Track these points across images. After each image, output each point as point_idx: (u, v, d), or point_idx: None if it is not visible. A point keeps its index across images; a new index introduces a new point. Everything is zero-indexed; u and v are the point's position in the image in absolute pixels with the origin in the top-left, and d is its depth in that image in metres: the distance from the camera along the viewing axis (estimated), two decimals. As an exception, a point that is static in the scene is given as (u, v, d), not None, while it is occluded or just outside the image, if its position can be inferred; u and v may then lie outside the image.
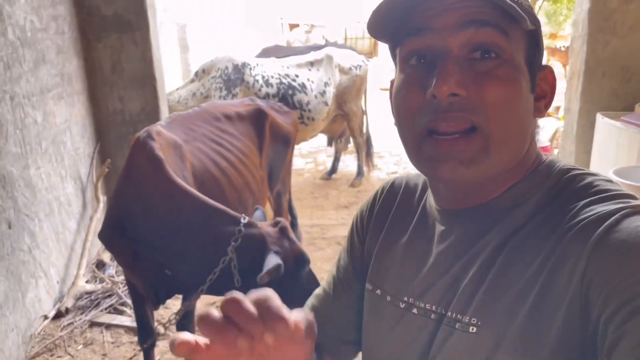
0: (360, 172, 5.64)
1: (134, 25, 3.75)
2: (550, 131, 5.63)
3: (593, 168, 3.84)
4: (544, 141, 5.40)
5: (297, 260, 1.82)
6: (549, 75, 0.71)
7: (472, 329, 0.64)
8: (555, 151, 5.36)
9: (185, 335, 0.48)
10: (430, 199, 0.79)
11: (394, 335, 0.75)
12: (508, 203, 0.68)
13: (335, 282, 0.92)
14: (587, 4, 3.79)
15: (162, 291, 2.00)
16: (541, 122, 6.05)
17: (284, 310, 0.50)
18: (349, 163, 6.27)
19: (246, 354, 0.49)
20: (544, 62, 0.71)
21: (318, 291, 0.95)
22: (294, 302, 1.74)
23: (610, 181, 0.66)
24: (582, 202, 0.62)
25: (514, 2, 0.61)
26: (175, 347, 0.47)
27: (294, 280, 1.78)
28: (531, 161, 0.70)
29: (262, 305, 0.49)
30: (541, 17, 21.76)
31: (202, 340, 0.49)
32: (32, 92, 3.01)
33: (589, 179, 0.66)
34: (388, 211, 0.85)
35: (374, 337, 0.80)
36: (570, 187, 0.66)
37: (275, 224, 1.95)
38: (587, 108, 3.93)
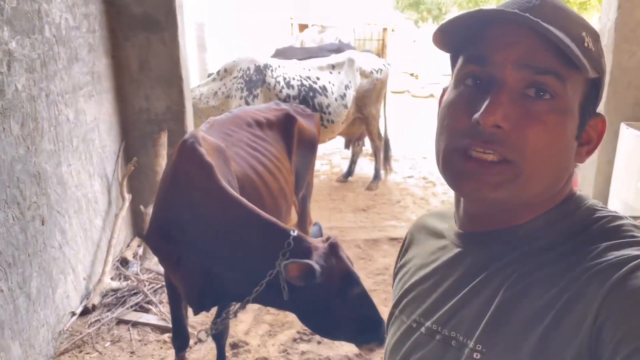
0: (377, 176, 5.65)
1: (162, 24, 3.77)
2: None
3: (616, 178, 3.85)
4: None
5: (343, 279, 1.79)
6: (600, 123, 0.70)
7: (476, 355, 0.64)
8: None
9: None
10: (451, 223, 0.80)
11: (406, 355, 0.76)
12: (527, 233, 0.68)
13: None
14: (613, 14, 3.80)
15: (207, 298, 2.00)
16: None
17: None
18: (363, 166, 6.28)
19: None
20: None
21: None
22: (348, 326, 1.75)
23: (637, 227, 0.65)
24: (606, 244, 0.61)
25: (581, 49, 0.61)
26: None
27: (343, 300, 1.76)
28: (562, 197, 0.70)
29: None
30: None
31: None
32: (65, 90, 3.03)
33: (617, 222, 0.65)
34: (411, 245, 0.91)
35: (391, 354, 0.81)
36: (596, 227, 0.65)
37: (326, 240, 1.93)
38: (610, 118, 3.92)
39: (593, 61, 0.63)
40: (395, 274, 0.92)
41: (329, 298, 1.76)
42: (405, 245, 0.93)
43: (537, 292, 0.62)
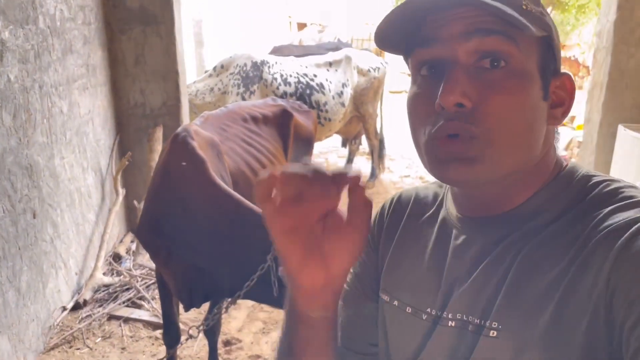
0: (373, 174, 5.64)
1: (159, 18, 3.74)
2: (565, 141, 5.64)
3: (613, 179, 3.84)
4: (559, 150, 5.41)
5: None
6: (567, 82, 0.70)
7: (493, 333, 0.64)
8: (572, 161, 5.37)
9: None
10: (449, 207, 0.78)
11: (417, 347, 0.74)
12: (529, 210, 0.68)
13: (351, 287, 0.88)
14: (612, 15, 3.79)
15: (198, 294, 1.97)
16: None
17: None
18: (360, 164, 6.26)
19: (305, 229, 0.55)
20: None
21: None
22: None
23: (634, 187, 0.65)
24: (608, 209, 0.61)
25: (519, 11, 0.61)
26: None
27: None
28: (551, 168, 0.70)
29: (335, 169, 0.54)
30: (549, 26, 21.81)
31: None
32: (59, 82, 2.99)
33: (614, 185, 0.65)
34: (398, 223, 0.84)
35: (397, 349, 0.79)
36: (595, 194, 0.65)
37: None
38: (608, 119, 3.93)
39: (536, 20, 0.63)
40: (379, 243, 0.85)
41: None
42: (392, 215, 0.86)
43: (547, 265, 0.62)
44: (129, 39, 3.76)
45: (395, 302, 0.78)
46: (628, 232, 0.57)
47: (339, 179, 0.53)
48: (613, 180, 0.67)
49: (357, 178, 0.55)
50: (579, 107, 5.15)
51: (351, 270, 0.87)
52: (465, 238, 0.73)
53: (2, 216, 2.39)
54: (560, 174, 0.70)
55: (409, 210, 0.84)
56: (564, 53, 17.90)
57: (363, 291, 0.86)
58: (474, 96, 0.62)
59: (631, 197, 0.62)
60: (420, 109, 0.68)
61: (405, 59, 0.72)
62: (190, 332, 1.92)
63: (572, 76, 0.70)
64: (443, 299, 0.72)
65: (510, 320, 0.63)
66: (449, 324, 0.70)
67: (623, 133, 3.72)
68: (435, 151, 0.66)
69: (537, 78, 0.65)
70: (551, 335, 0.59)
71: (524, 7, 0.63)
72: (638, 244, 0.56)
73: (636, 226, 0.57)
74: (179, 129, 2.09)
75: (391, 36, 0.68)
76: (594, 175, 0.68)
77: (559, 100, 0.69)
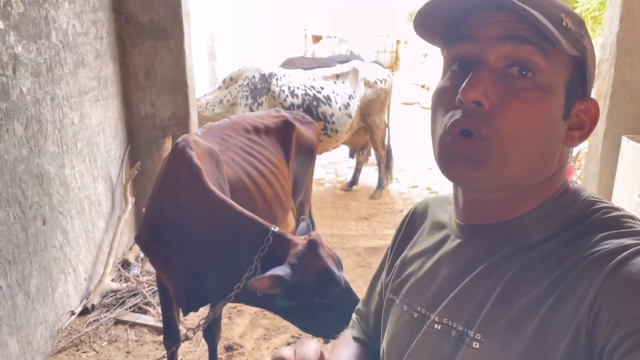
0: (380, 185, 5.68)
1: (168, 33, 3.86)
2: (573, 152, 5.62)
3: (617, 190, 3.84)
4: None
5: (320, 276, 1.77)
6: (592, 108, 0.70)
7: (475, 345, 0.65)
8: (578, 172, 5.35)
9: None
10: (452, 213, 0.81)
11: (405, 344, 0.77)
12: (527, 224, 0.69)
13: (373, 294, 0.98)
14: (616, 27, 3.82)
15: (195, 298, 2.05)
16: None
17: None
18: (369, 175, 6.31)
19: None
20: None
21: (359, 305, 1.02)
22: (333, 320, 1.76)
23: (633, 218, 0.66)
24: (602, 234, 0.62)
25: (558, 26, 0.62)
26: None
27: (322, 297, 1.76)
28: (557, 187, 0.71)
29: None
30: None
31: None
32: (71, 94, 3.12)
33: (614, 213, 0.66)
34: (413, 229, 0.90)
35: (391, 343, 0.82)
36: (593, 219, 0.66)
37: (306, 237, 1.95)
38: (612, 131, 3.94)
39: (572, 40, 0.64)
40: (393, 249, 0.91)
41: (308, 296, 1.77)
42: (408, 224, 0.92)
43: (535, 282, 0.63)
44: (140, 52, 3.89)
45: (397, 300, 0.83)
46: (618, 257, 0.58)
47: None
48: (614, 209, 0.67)
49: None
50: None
51: (379, 268, 0.98)
52: (460, 243, 0.75)
53: (12, 222, 2.49)
54: (564, 195, 0.70)
55: (427, 217, 0.88)
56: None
57: (381, 288, 0.94)
58: (494, 98, 0.63)
59: (628, 226, 0.63)
60: (443, 102, 0.69)
61: (442, 51, 0.74)
62: (187, 333, 1.99)
63: (598, 105, 0.71)
64: (433, 300, 0.75)
65: (493, 334, 0.64)
66: (435, 327, 0.72)
67: (627, 144, 3.72)
68: (446, 146, 0.67)
69: (561, 96, 0.65)
70: (533, 350, 0.60)
71: (565, 24, 0.64)
72: (625, 269, 0.56)
73: (625, 253, 0.58)
74: (179, 139, 2.18)
75: (432, 25, 0.69)
76: (597, 201, 0.69)
77: (580, 124, 0.69)
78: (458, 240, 0.76)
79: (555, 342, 0.58)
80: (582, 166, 5.04)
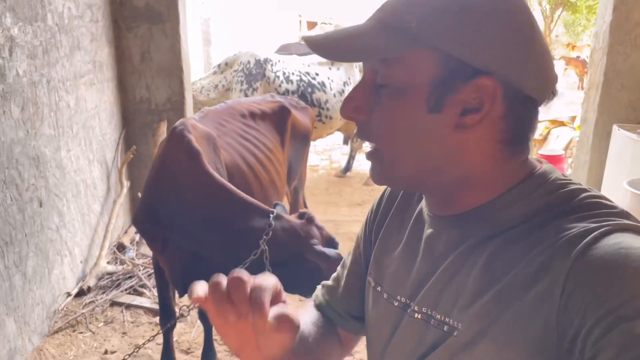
0: (374, 172, 5.71)
1: (164, 16, 3.85)
2: (565, 140, 5.68)
3: (607, 179, 3.90)
4: (558, 150, 5.45)
5: (327, 245, 1.95)
6: (486, 83, 0.64)
7: (455, 333, 0.67)
8: (569, 160, 5.41)
9: (199, 290, 0.62)
10: (423, 203, 0.82)
11: (389, 332, 0.79)
12: (494, 211, 0.69)
13: (350, 263, 0.98)
14: (609, 17, 3.85)
15: (192, 280, 2.07)
16: (556, 131, 6.10)
17: (267, 302, 0.59)
18: (362, 162, 6.34)
19: (233, 326, 0.61)
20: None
21: (336, 272, 1.03)
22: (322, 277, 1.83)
23: (602, 198, 0.66)
24: (569, 217, 0.63)
25: (401, 31, 0.64)
26: (191, 297, 0.62)
27: (327, 261, 1.89)
28: (522, 173, 0.70)
29: (255, 290, 0.59)
30: (560, 27, 21.68)
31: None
32: (66, 77, 3.12)
33: (583, 194, 0.66)
34: (388, 211, 0.90)
35: (374, 333, 0.85)
36: (560, 202, 0.66)
37: (302, 216, 2.04)
38: (603, 119, 3.99)
39: (410, 39, 0.64)
40: (370, 231, 0.92)
41: (313, 264, 1.87)
42: (384, 204, 0.91)
43: (507, 268, 0.64)
44: (135, 36, 3.88)
45: (378, 288, 0.84)
46: (581, 244, 0.59)
47: (255, 301, 0.58)
48: (581, 190, 0.67)
49: (278, 295, 0.62)
50: (578, 107, 5.20)
51: (356, 242, 0.98)
52: (433, 232, 0.77)
53: (9, 204, 2.51)
54: (530, 179, 0.69)
55: (398, 200, 0.89)
56: (573, 53, 17.76)
57: (358, 267, 0.95)
58: (368, 110, 0.69)
59: (594, 206, 0.64)
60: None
61: None
62: (182, 310, 2.03)
63: (492, 78, 0.64)
64: (412, 289, 0.77)
65: (470, 322, 0.66)
66: (416, 316, 0.74)
67: (617, 133, 3.78)
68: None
69: (423, 92, 0.65)
70: (505, 339, 0.62)
71: (407, 27, 0.64)
72: (590, 254, 0.58)
73: (588, 238, 0.59)
74: (177, 123, 2.20)
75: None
76: (565, 183, 0.69)
77: (479, 106, 0.65)
78: (430, 230, 0.77)
79: (528, 326, 0.60)
80: (573, 154, 5.09)
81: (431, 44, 0.63)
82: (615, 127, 3.82)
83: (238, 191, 2.02)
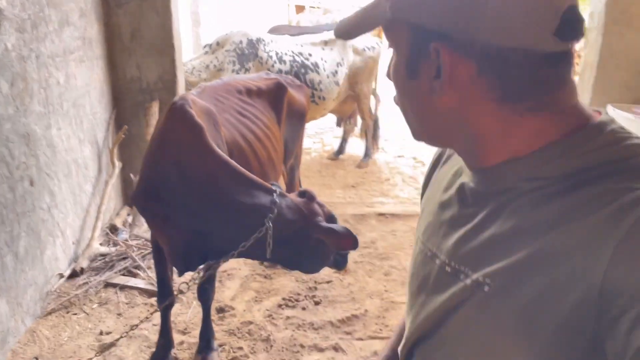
0: (367, 154, 5.69)
1: (155, -8, 3.76)
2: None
3: (601, 158, 3.91)
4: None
5: (329, 222, 1.97)
6: (441, 50, 0.63)
7: (487, 289, 0.64)
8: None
9: None
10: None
11: (421, 281, 0.79)
12: (527, 166, 0.64)
13: None
14: (605, -4, 3.83)
15: (193, 257, 2.04)
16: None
17: None
18: (355, 145, 6.31)
19: None
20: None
21: None
22: (327, 255, 1.92)
23: None
24: (622, 178, 0.57)
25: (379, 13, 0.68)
26: None
27: (336, 237, 1.91)
28: (536, 128, 0.64)
29: None
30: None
31: None
32: (56, 53, 3.03)
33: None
34: (438, 162, 0.91)
35: (411, 278, 0.84)
36: (613, 159, 0.60)
37: (303, 194, 2.02)
38: (598, 99, 3.98)
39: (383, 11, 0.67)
40: (424, 186, 0.95)
41: (314, 240, 1.87)
42: (442, 159, 0.91)
43: (542, 229, 0.60)
44: (126, 13, 3.78)
45: (419, 236, 0.85)
46: (637, 210, 0.53)
47: None
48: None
49: None
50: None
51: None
52: (465, 183, 0.75)
53: (0, 182, 2.44)
54: (580, 131, 0.62)
55: (445, 155, 0.90)
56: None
57: None
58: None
59: None
60: None
61: None
62: (180, 287, 1.99)
63: (445, 46, 0.63)
64: (442, 241, 0.75)
65: (500, 279, 0.63)
66: (446, 269, 0.73)
67: (612, 112, 3.78)
68: None
69: (404, 58, 0.69)
70: (539, 298, 0.58)
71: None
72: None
73: None
74: (177, 98, 2.14)
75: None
76: (624, 136, 0.61)
77: (439, 69, 0.64)
78: (463, 181, 0.75)
79: (562, 298, 0.56)
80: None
81: (400, 15, 0.66)
82: (609, 107, 3.82)
83: (241, 168, 1.98)
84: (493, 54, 0.60)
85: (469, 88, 0.64)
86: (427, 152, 6.19)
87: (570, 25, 0.59)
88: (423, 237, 0.83)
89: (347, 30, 0.76)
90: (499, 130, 0.66)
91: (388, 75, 0.75)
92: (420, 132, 0.74)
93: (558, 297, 0.57)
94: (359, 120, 6.19)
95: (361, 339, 2.77)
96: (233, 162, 2.00)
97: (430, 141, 0.76)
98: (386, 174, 5.46)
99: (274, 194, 1.92)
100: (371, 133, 5.68)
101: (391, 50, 0.73)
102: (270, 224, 1.87)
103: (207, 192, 1.96)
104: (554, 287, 0.57)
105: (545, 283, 0.58)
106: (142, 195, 2.12)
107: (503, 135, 0.66)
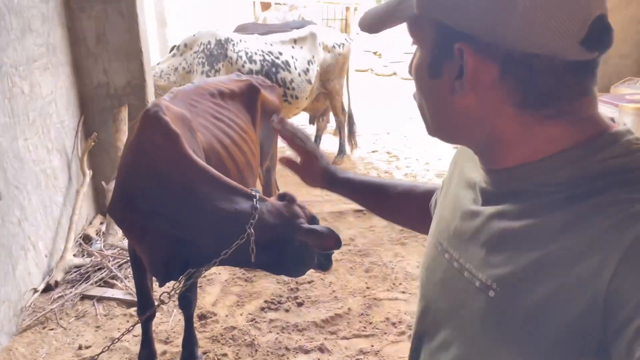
0: (342, 151, 5.69)
1: (120, -5, 3.67)
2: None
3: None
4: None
5: (311, 223, 1.96)
6: (464, 50, 0.63)
7: (491, 293, 0.64)
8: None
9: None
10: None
11: (431, 273, 0.81)
12: (540, 171, 0.65)
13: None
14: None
15: (173, 267, 2.00)
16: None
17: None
18: (329, 142, 6.31)
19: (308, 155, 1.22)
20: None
21: None
22: (312, 258, 1.93)
23: None
24: (633, 188, 0.57)
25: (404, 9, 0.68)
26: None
27: (319, 238, 1.90)
28: (554, 134, 0.64)
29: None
30: None
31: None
32: (19, 62, 2.93)
33: None
34: (458, 158, 0.90)
35: (422, 269, 0.85)
36: (626, 168, 0.59)
37: (282, 198, 2.01)
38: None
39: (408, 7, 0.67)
40: (441, 188, 0.95)
41: (298, 242, 1.87)
42: (459, 151, 0.91)
43: (551, 235, 0.60)
44: (90, 17, 3.68)
45: (432, 229, 0.86)
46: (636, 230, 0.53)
47: None
48: None
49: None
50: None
51: None
52: (478, 183, 0.75)
53: (-33, 198, 2.35)
54: (595, 140, 0.62)
55: (465, 152, 0.87)
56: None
57: None
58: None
59: None
60: None
61: None
62: (162, 297, 1.95)
63: (469, 48, 0.63)
64: (451, 237, 0.76)
65: (508, 285, 0.63)
66: (454, 264, 0.73)
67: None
68: None
69: (427, 57, 0.69)
70: (543, 309, 0.59)
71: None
72: None
73: None
74: (150, 105, 2.09)
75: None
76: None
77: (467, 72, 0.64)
78: (476, 180, 0.75)
79: (567, 305, 0.56)
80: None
81: (426, 13, 0.65)
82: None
83: (220, 175, 1.95)
84: (517, 59, 0.60)
85: (490, 91, 0.64)
86: (400, 146, 6.24)
87: (598, 36, 0.58)
88: (435, 230, 0.84)
89: (371, 25, 0.75)
90: (516, 135, 0.66)
91: (410, 71, 0.74)
92: (436, 128, 0.74)
93: (564, 304, 0.57)
94: (332, 118, 6.18)
95: (346, 338, 2.78)
96: (211, 168, 1.97)
97: (446, 138, 0.75)
98: (361, 169, 5.47)
99: (254, 199, 1.90)
100: (345, 130, 5.68)
101: (414, 47, 0.73)
102: (252, 230, 1.85)
103: (186, 201, 1.93)
104: (560, 294, 0.57)
105: (551, 290, 0.58)
106: (118, 207, 2.06)
107: (519, 140, 0.66)
